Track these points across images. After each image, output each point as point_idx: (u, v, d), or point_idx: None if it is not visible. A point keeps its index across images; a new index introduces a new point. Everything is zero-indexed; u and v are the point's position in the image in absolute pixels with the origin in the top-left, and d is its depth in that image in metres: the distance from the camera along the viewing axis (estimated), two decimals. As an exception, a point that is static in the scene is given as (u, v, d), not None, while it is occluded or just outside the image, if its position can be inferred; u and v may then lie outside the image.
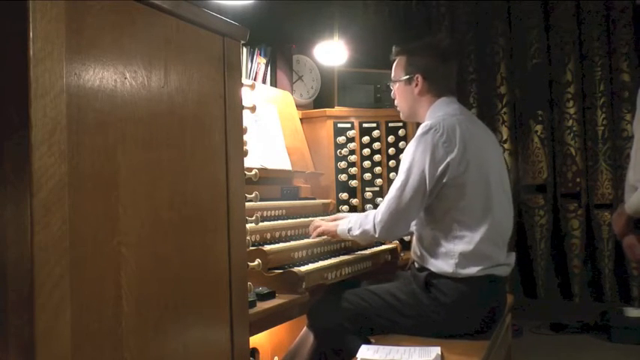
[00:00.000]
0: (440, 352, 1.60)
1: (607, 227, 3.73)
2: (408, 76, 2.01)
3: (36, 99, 0.82)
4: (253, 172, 1.61)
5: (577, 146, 3.87)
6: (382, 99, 2.90)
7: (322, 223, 2.11)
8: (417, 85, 1.98)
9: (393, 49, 2.09)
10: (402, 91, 2.05)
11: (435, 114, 1.93)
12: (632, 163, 1.97)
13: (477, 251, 1.78)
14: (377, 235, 1.91)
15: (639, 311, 3.45)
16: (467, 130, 1.83)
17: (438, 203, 1.83)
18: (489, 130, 2.04)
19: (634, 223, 1.94)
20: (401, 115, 2.12)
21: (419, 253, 1.90)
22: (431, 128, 1.82)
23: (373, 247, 2.35)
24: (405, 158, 1.86)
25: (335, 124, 2.73)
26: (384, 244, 2.45)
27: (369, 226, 1.91)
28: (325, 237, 2.09)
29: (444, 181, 1.79)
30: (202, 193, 1.18)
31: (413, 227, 1.98)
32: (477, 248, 1.78)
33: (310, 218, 2.23)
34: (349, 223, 1.99)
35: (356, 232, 1.96)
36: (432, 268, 1.83)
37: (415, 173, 1.81)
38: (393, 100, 2.12)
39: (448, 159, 1.78)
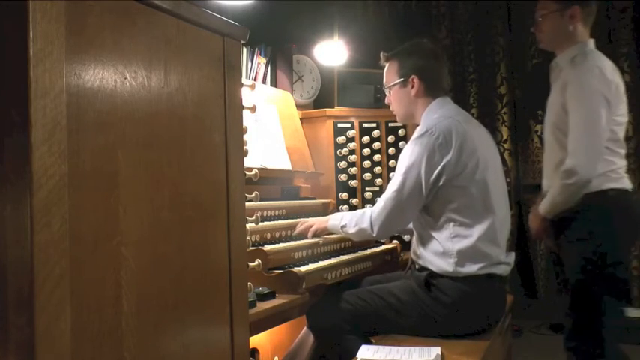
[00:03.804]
0: (440, 352, 1.60)
1: (607, 227, 3.73)
2: (402, 79, 2.01)
3: (36, 99, 0.82)
4: (253, 172, 1.61)
5: (577, 146, 3.86)
6: (382, 99, 2.90)
7: (314, 221, 2.11)
8: (413, 86, 1.99)
9: (382, 55, 2.10)
10: (397, 95, 2.05)
11: (431, 116, 1.94)
12: (544, 172, 2.19)
13: (476, 249, 1.79)
14: (375, 235, 1.94)
15: (639, 311, 3.45)
16: (463, 131, 1.84)
17: (436, 204, 1.84)
18: (485, 129, 2.04)
19: (555, 229, 2.09)
20: (397, 118, 2.13)
21: (418, 253, 1.91)
22: (427, 131, 1.83)
23: (373, 247, 2.36)
24: (402, 160, 1.88)
25: (335, 124, 2.73)
26: (383, 243, 2.45)
27: (365, 225, 1.93)
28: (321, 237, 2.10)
29: (441, 183, 1.80)
30: (202, 193, 1.18)
31: (412, 227, 1.99)
32: (475, 246, 1.79)
33: (310, 218, 2.23)
34: (342, 220, 2.01)
35: (351, 229, 1.97)
36: (432, 268, 1.83)
37: (412, 175, 1.83)
38: (388, 105, 2.13)
39: (444, 162, 1.79)
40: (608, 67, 2.04)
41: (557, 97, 2.07)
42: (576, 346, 2.08)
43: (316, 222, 2.11)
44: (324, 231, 2.10)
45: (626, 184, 2.05)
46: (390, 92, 2.09)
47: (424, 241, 1.89)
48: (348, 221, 1.98)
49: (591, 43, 2.14)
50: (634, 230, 2.10)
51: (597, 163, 1.94)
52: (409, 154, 1.85)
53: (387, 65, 2.09)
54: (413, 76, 1.99)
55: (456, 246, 1.80)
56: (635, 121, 3.67)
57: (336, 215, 2.08)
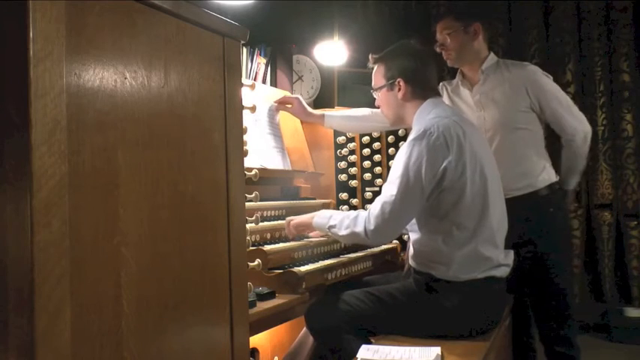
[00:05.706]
0: (440, 352, 1.60)
1: (607, 227, 3.73)
2: (389, 82, 1.96)
3: (36, 99, 0.82)
4: (253, 172, 1.61)
5: (577, 146, 3.87)
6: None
7: (295, 217, 2.02)
8: (399, 89, 1.93)
9: (370, 57, 2.05)
10: (385, 98, 2.00)
11: (425, 117, 1.87)
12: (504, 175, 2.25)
13: (477, 254, 1.77)
14: (369, 240, 1.84)
15: (639, 311, 3.45)
16: (461, 131, 1.80)
17: (436, 207, 1.80)
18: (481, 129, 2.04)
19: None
20: (388, 122, 2.09)
21: (417, 258, 1.89)
22: (426, 132, 1.77)
23: (373, 247, 2.35)
24: (399, 163, 1.80)
25: (335, 124, 2.73)
26: (383, 244, 2.44)
27: (359, 229, 1.81)
28: (324, 237, 2.07)
29: (443, 186, 1.75)
30: (202, 193, 1.18)
31: (408, 229, 1.95)
32: (476, 251, 1.77)
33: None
34: (331, 219, 1.89)
35: (342, 232, 1.86)
36: (432, 272, 1.81)
37: (412, 178, 1.75)
38: (379, 107, 2.10)
39: (445, 163, 1.74)
40: None
41: (512, 99, 2.28)
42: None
43: (297, 217, 2.00)
44: (308, 227, 1.99)
45: None
46: (378, 95, 2.05)
47: (423, 245, 1.86)
48: (338, 222, 1.87)
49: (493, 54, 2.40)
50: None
51: None
52: (407, 155, 1.78)
53: (375, 67, 2.05)
54: (398, 79, 1.93)
55: (456, 252, 1.77)
56: (635, 121, 3.67)
57: (324, 213, 1.96)
